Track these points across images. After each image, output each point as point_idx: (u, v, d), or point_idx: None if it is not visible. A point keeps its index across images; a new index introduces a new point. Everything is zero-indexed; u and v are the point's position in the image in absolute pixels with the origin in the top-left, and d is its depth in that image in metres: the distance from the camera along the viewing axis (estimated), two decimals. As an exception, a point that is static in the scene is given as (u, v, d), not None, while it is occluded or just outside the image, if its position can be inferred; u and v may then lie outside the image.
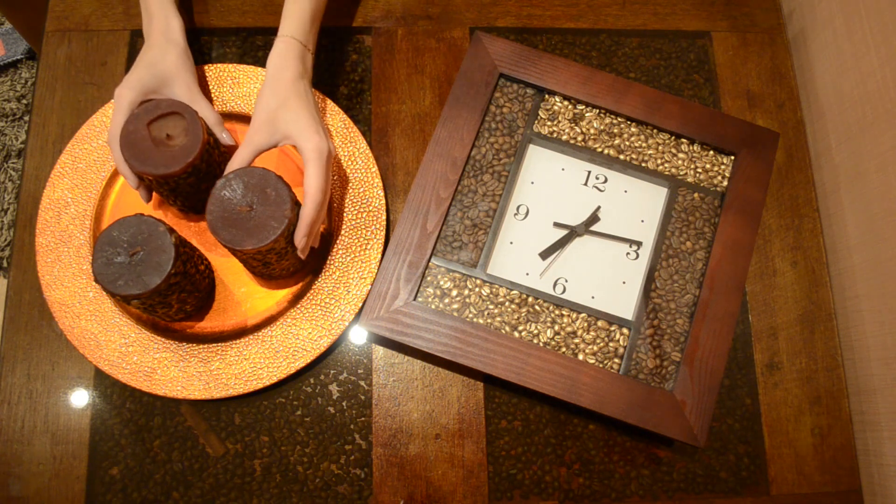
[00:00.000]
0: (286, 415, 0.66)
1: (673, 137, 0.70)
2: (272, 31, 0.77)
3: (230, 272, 0.67)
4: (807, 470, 0.67)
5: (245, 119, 0.71)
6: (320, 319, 0.66)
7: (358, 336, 0.68)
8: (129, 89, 0.63)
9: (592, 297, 0.66)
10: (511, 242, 0.67)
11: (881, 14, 0.69)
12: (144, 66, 0.64)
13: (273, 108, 0.62)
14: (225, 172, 0.60)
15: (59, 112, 0.73)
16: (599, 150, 0.70)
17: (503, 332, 0.63)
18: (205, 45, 0.76)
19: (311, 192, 0.59)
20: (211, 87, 0.72)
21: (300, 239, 0.60)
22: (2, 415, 0.64)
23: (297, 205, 0.59)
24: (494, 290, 0.65)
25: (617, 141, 0.70)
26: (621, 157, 0.69)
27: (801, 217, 0.74)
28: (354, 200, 0.69)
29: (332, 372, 0.67)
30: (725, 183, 0.69)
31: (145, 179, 0.61)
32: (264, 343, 0.65)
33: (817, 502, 0.67)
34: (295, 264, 0.65)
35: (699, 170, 0.69)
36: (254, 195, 0.57)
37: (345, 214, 0.69)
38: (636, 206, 0.69)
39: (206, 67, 0.72)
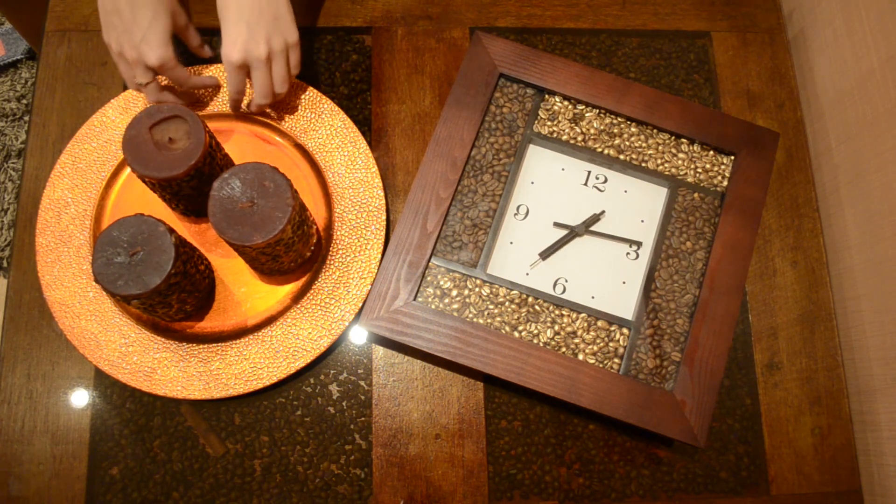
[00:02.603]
0: (286, 415, 0.66)
1: (673, 137, 0.70)
2: (272, 31, 0.77)
3: (230, 272, 0.67)
4: (807, 470, 0.67)
5: (244, 119, 0.71)
6: (320, 319, 0.66)
7: (358, 336, 0.68)
8: (169, 50, 0.62)
9: (592, 297, 0.66)
10: (511, 242, 0.67)
11: (881, 14, 0.69)
12: (153, 13, 0.61)
13: (218, 10, 0.63)
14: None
15: (59, 112, 0.73)
16: (599, 150, 0.70)
17: (503, 332, 0.63)
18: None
19: (229, 92, 0.65)
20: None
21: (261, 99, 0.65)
22: (2, 415, 0.65)
23: (297, 193, 0.59)
24: (494, 290, 0.65)
25: (617, 141, 0.70)
26: (621, 157, 0.69)
27: (801, 217, 0.74)
28: (354, 200, 0.69)
29: (332, 372, 0.67)
30: (725, 183, 0.69)
31: (147, 183, 0.61)
32: (264, 343, 0.65)
33: (817, 502, 0.67)
34: (303, 254, 0.65)
35: (699, 170, 0.69)
36: (253, 190, 0.57)
37: (345, 214, 0.69)
38: (636, 206, 0.69)
39: (206, 67, 0.72)
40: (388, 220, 0.70)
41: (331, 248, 0.68)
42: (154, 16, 0.62)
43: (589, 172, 0.70)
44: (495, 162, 0.68)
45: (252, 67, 0.63)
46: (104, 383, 0.66)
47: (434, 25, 0.78)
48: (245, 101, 0.70)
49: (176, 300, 0.60)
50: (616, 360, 0.63)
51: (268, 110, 0.71)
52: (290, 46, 0.65)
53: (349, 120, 0.71)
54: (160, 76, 0.66)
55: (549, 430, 0.67)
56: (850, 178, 0.73)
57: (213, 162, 0.62)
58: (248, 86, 0.69)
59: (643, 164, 0.69)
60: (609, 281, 0.67)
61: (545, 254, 0.67)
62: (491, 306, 0.64)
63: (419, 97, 0.75)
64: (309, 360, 0.64)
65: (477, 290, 0.65)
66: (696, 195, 0.69)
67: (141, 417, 0.65)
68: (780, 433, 0.68)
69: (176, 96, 0.69)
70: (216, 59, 0.73)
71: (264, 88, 0.65)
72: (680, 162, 0.70)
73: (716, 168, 0.70)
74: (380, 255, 0.67)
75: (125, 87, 0.73)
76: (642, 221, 0.69)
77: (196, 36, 0.69)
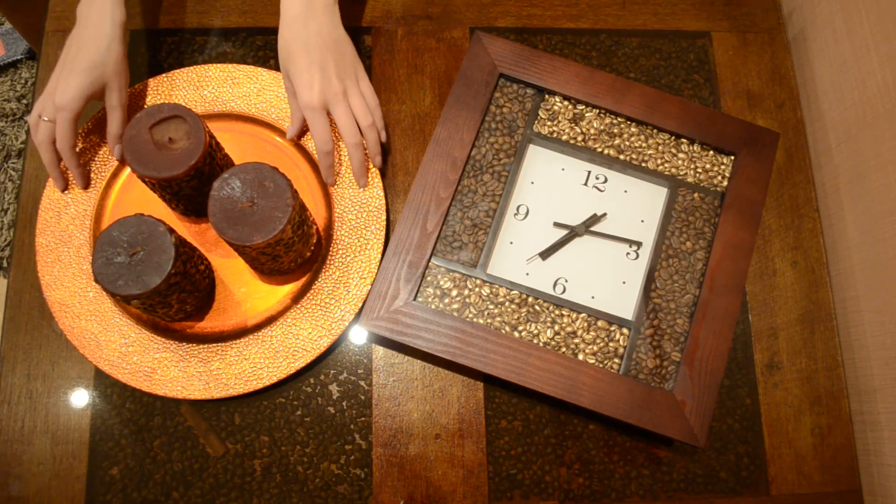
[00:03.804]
0: (286, 415, 0.66)
1: (673, 137, 0.70)
2: (272, 31, 0.77)
3: (230, 272, 0.67)
4: (807, 470, 0.67)
5: (244, 119, 0.71)
6: (320, 319, 0.66)
7: (358, 336, 0.68)
8: (78, 101, 0.61)
9: (592, 297, 0.66)
10: (511, 242, 0.67)
11: (881, 14, 0.69)
12: (85, 69, 0.61)
13: (282, 60, 0.64)
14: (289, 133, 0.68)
15: (59, 112, 0.73)
16: (599, 150, 0.70)
17: (503, 332, 0.63)
18: (205, 45, 0.76)
19: (316, 145, 0.65)
20: (211, 87, 0.72)
21: (360, 178, 0.67)
22: (2, 415, 0.65)
23: (297, 193, 0.59)
24: (494, 290, 0.65)
25: (617, 141, 0.70)
26: (621, 157, 0.69)
27: (801, 217, 0.74)
28: (354, 200, 0.69)
29: (332, 372, 0.67)
30: (725, 183, 0.69)
31: (147, 183, 0.61)
32: (264, 343, 0.65)
33: (817, 502, 0.67)
34: (303, 254, 0.65)
35: (699, 170, 0.69)
36: (253, 190, 0.57)
37: (345, 214, 0.69)
38: (636, 206, 0.69)
39: (206, 67, 0.72)
40: (388, 220, 0.70)
41: (331, 248, 0.68)
42: (86, 69, 0.62)
43: (589, 172, 0.70)
44: (495, 162, 0.68)
45: (331, 108, 0.64)
46: (104, 383, 0.66)
47: (434, 25, 0.78)
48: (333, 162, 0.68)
49: (176, 300, 0.60)
50: (616, 360, 0.63)
51: (266, 111, 0.71)
52: (361, 80, 0.66)
53: (349, 120, 0.71)
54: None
55: (549, 430, 0.67)
56: (850, 178, 0.73)
57: (213, 162, 0.62)
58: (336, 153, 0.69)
59: (643, 164, 0.69)
60: (609, 281, 0.67)
61: (545, 254, 0.67)
62: (491, 306, 0.64)
63: (419, 97, 0.75)
64: (309, 360, 0.64)
65: (477, 290, 0.65)
66: (696, 195, 0.69)
67: (141, 417, 0.65)
68: (780, 433, 0.68)
69: (54, 159, 0.66)
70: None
71: (349, 126, 0.64)
72: (680, 162, 0.70)
73: (716, 168, 0.70)
74: (380, 255, 0.67)
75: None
76: (642, 221, 0.69)
77: (118, 125, 0.66)
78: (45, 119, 0.63)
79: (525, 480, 0.66)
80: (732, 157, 0.70)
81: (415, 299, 0.63)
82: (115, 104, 0.65)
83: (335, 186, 0.69)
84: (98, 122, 0.70)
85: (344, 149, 0.69)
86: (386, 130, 0.70)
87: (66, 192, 0.68)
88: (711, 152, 0.70)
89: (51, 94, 0.63)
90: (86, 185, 0.68)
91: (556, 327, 0.64)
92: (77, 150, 0.66)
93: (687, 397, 0.61)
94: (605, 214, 0.68)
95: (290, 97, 0.67)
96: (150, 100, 0.71)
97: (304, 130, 0.70)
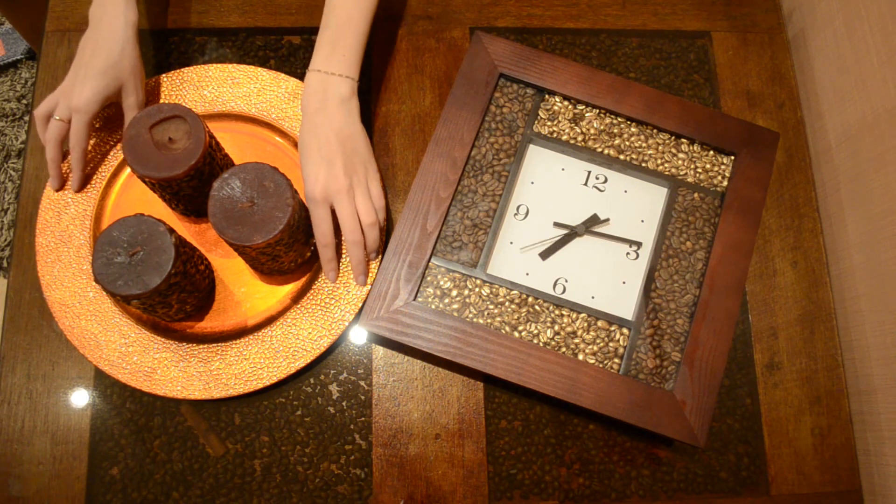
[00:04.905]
0: (286, 415, 0.66)
1: (673, 137, 0.70)
2: (272, 31, 0.77)
3: (230, 272, 0.67)
4: (807, 470, 0.67)
5: (244, 119, 0.71)
6: (320, 319, 0.66)
7: (358, 336, 0.68)
8: (95, 103, 0.62)
9: (592, 297, 0.66)
10: (511, 242, 0.67)
11: (881, 14, 0.69)
12: (101, 72, 0.63)
13: (300, 154, 0.63)
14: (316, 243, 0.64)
15: (59, 112, 0.73)
16: (599, 150, 0.70)
17: (503, 332, 0.63)
18: (205, 45, 0.76)
19: (316, 238, 0.63)
20: (211, 87, 0.72)
21: (359, 277, 0.65)
22: (2, 415, 0.65)
23: (296, 193, 0.59)
24: (494, 290, 0.65)
25: (617, 141, 0.70)
26: (621, 157, 0.69)
27: (801, 217, 0.74)
28: (354, 200, 0.69)
29: (332, 372, 0.67)
30: (725, 183, 0.69)
31: (147, 183, 0.61)
32: (264, 343, 0.65)
33: (817, 502, 0.67)
34: (303, 254, 0.65)
35: (699, 170, 0.69)
36: (253, 190, 0.57)
37: (345, 214, 0.69)
38: (636, 206, 0.69)
39: (206, 67, 0.72)
40: (388, 220, 0.69)
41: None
42: (102, 71, 0.62)
43: (589, 172, 0.70)
44: (495, 162, 0.68)
45: (335, 202, 0.62)
46: (104, 383, 0.66)
47: (434, 25, 0.78)
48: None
49: (176, 300, 0.60)
50: (616, 360, 0.63)
51: (266, 111, 0.71)
52: (370, 178, 0.65)
53: (349, 120, 0.71)
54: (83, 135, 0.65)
55: (549, 430, 0.67)
56: (850, 178, 0.73)
57: (213, 162, 0.62)
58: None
59: (643, 164, 0.69)
60: (609, 281, 0.67)
61: (545, 254, 0.67)
62: (491, 306, 0.64)
63: (419, 97, 0.75)
64: (309, 360, 0.64)
65: (477, 290, 0.65)
66: (696, 195, 0.69)
67: (141, 417, 0.65)
68: (780, 433, 0.68)
69: (58, 157, 0.67)
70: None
71: (350, 224, 0.63)
72: (680, 162, 0.70)
73: (716, 168, 0.70)
74: (380, 256, 0.67)
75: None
76: (642, 221, 0.69)
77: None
78: (57, 118, 0.64)
79: (525, 480, 0.66)
80: (732, 157, 0.70)
81: (415, 299, 0.63)
82: (133, 104, 0.66)
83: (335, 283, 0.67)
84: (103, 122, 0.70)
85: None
86: (387, 218, 0.69)
87: (60, 192, 0.68)
88: (711, 152, 0.70)
89: (66, 95, 0.63)
90: (81, 188, 0.68)
91: (556, 327, 0.64)
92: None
93: (687, 397, 0.61)
94: (604, 214, 0.68)
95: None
96: (151, 100, 0.71)
97: (329, 232, 0.66)
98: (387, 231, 0.68)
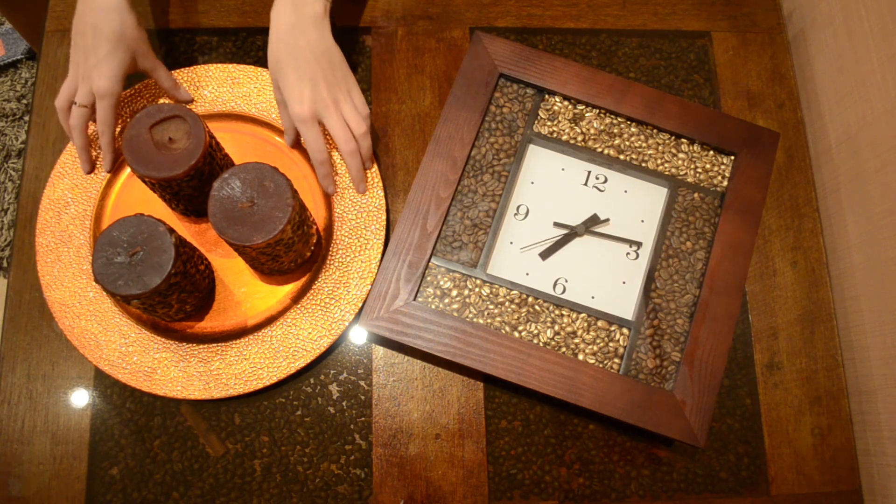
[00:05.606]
0: (286, 415, 0.66)
1: (673, 137, 0.70)
2: (272, 31, 0.77)
3: (230, 272, 0.67)
4: (807, 470, 0.67)
5: (244, 119, 0.71)
6: (320, 319, 0.66)
7: (358, 336, 0.68)
8: (117, 84, 0.63)
9: (592, 297, 0.66)
10: (511, 242, 0.67)
11: (881, 14, 0.69)
12: (112, 52, 0.62)
13: (272, 72, 0.65)
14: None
15: (59, 112, 0.73)
16: (599, 150, 0.70)
17: (503, 332, 0.63)
18: (205, 45, 0.76)
19: (311, 155, 0.65)
20: (211, 87, 0.72)
21: (358, 184, 0.67)
22: (2, 415, 0.65)
23: (297, 193, 0.59)
24: (494, 290, 0.65)
25: (617, 141, 0.70)
26: (621, 157, 0.69)
27: (801, 217, 0.74)
28: (354, 200, 0.69)
29: (332, 372, 0.67)
30: (725, 183, 0.69)
31: (147, 183, 0.61)
32: (264, 343, 0.65)
33: (817, 502, 0.67)
34: (303, 254, 0.65)
35: (699, 170, 0.69)
36: (253, 190, 0.57)
37: (345, 214, 0.69)
38: (636, 206, 0.69)
39: (206, 67, 0.72)
40: (388, 220, 0.70)
41: (331, 248, 0.68)
42: (112, 49, 0.62)
43: (589, 172, 0.70)
44: (495, 162, 0.68)
45: (324, 119, 0.64)
46: (104, 383, 0.66)
47: (434, 25, 0.78)
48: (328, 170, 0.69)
49: (176, 300, 0.60)
50: (616, 360, 0.63)
51: (266, 111, 0.71)
52: (352, 90, 0.66)
53: (349, 120, 0.71)
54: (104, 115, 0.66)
55: (549, 430, 0.67)
56: (850, 178, 0.73)
57: (213, 162, 0.62)
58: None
59: (643, 164, 0.69)
60: (609, 281, 0.67)
61: (545, 254, 0.67)
62: (491, 306, 0.64)
63: (419, 97, 0.75)
64: (309, 360, 0.64)
65: (477, 290, 0.65)
66: (696, 195, 0.69)
67: (141, 417, 0.65)
68: (780, 433, 0.68)
69: (86, 143, 0.67)
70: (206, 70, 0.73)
71: (343, 135, 0.65)
72: (680, 162, 0.70)
73: (716, 168, 0.70)
74: (380, 255, 0.67)
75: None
76: (642, 221, 0.69)
77: (168, 78, 0.69)
78: (78, 104, 0.64)
79: (525, 480, 0.66)
80: (732, 157, 0.70)
81: (415, 299, 0.63)
82: (152, 65, 0.67)
83: (335, 195, 0.69)
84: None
85: (338, 157, 0.69)
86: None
87: (61, 192, 0.68)
88: (711, 152, 0.70)
89: (86, 80, 0.63)
90: (112, 168, 0.69)
91: (556, 327, 0.64)
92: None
93: (687, 397, 0.61)
94: (604, 214, 0.68)
95: (281, 108, 0.67)
96: (151, 100, 0.71)
97: (299, 138, 0.70)
98: (387, 231, 0.68)
